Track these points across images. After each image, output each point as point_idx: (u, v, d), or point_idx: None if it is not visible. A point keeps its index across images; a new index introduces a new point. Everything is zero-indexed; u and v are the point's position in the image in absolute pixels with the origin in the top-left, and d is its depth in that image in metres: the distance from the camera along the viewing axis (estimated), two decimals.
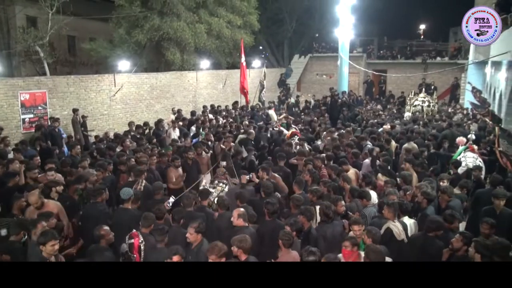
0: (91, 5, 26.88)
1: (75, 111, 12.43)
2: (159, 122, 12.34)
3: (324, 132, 11.74)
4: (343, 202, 5.94)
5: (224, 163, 8.35)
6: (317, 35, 29.68)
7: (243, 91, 17.17)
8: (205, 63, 20.27)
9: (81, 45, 21.87)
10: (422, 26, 41.06)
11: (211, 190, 7.13)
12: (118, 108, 15.03)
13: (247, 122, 12.78)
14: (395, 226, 5.21)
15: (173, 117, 13.86)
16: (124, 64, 15.69)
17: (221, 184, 7.56)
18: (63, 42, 23.12)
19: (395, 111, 16.86)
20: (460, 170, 8.01)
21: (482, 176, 7.68)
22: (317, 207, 5.72)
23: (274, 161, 8.67)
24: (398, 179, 7.33)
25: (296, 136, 11.11)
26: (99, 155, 9.01)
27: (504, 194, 6.06)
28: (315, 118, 14.17)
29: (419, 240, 5.13)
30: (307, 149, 9.63)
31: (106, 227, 5.06)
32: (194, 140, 10.72)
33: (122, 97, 15.12)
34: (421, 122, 12.57)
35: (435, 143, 10.14)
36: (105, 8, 21.42)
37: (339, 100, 16.04)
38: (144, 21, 17.86)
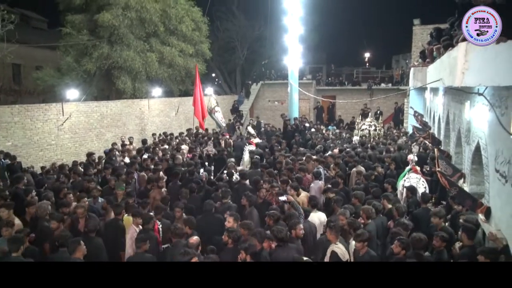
0: (37, 33, 26.21)
1: None
2: (110, 151, 12.08)
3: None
4: (301, 226, 6.05)
5: (232, 159, 11.56)
6: (266, 61, 30.36)
7: (200, 116, 16.59)
8: (157, 91, 20.17)
9: (27, 73, 21.19)
10: (367, 55, 43.27)
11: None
12: (66, 137, 14.58)
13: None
14: (339, 248, 5.40)
15: (131, 146, 13.73)
16: (72, 92, 15.32)
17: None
18: (7, 71, 22.24)
19: (345, 135, 17.41)
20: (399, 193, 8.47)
21: (417, 197, 8.04)
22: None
23: None
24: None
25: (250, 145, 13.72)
26: (36, 187, 8.67)
27: (443, 214, 6.44)
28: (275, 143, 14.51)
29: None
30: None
31: None
32: None
33: (70, 126, 14.71)
34: (369, 145, 13.10)
35: (383, 165, 10.58)
36: (53, 36, 20.98)
37: (289, 126, 16.49)
38: (92, 50, 17.66)
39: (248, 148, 13.45)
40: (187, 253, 4.97)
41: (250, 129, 16.53)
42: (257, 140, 15.08)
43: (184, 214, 6.97)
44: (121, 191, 8.05)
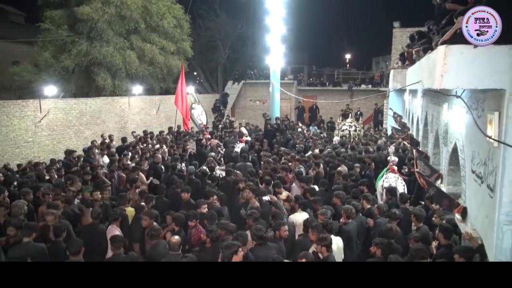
0: (14, 27, 25.59)
1: None
2: (89, 149, 11.88)
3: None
4: (286, 227, 6.07)
5: (213, 154, 11.86)
6: (250, 64, 30.44)
7: (185, 115, 16.37)
8: (137, 88, 19.93)
9: (3, 68, 20.63)
10: (348, 56, 43.63)
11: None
12: (44, 135, 14.29)
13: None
14: None
15: (112, 143, 13.50)
16: (50, 89, 15.02)
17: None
18: None
19: (325, 135, 17.55)
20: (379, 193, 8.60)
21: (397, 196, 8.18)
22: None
23: None
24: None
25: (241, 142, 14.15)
26: (6, 185, 8.45)
27: (423, 216, 6.55)
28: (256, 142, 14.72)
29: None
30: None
31: None
32: None
33: (48, 123, 14.42)
34: (349, 146, 13.25)
35: (363, 165, 10.71)
36: (30, 31, 20.51)
37: (268, 126, 16.59)
38: (71, 46, 17.34)
39: (239, 145, 13.78)
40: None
41: (243, 129, 16.72)
42: (248, 138, 15.42)
43: (158, 214, 6.98)
44: (89, 193, 7.88)
